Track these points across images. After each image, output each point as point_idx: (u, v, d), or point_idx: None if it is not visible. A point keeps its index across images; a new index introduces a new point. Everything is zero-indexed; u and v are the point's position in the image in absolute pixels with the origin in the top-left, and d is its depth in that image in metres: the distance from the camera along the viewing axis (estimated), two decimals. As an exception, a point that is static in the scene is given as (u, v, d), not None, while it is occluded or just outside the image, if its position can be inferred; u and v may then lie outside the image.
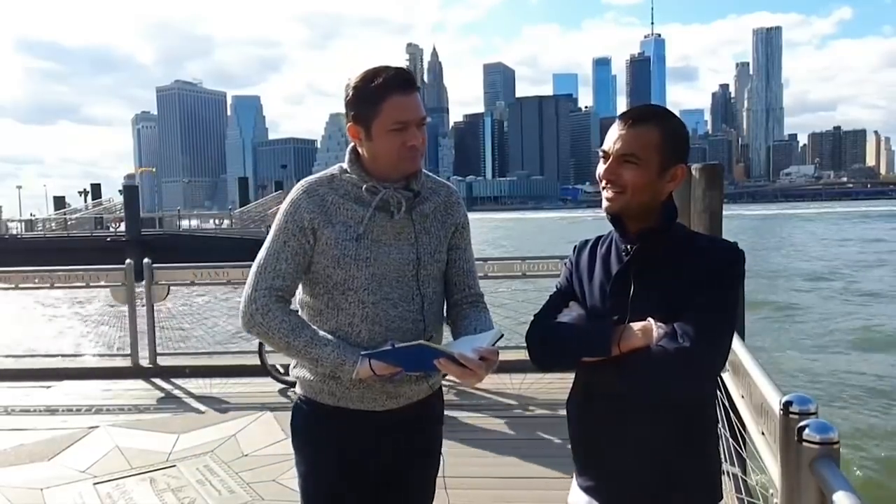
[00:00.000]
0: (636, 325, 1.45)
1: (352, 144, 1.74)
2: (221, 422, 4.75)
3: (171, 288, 6.62)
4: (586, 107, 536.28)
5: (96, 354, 7.03)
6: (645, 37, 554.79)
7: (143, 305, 6.47)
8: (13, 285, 6.78)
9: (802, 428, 1.62)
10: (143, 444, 4.31)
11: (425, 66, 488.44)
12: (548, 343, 1.60)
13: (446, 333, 1.87)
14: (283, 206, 1.73)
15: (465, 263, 1.85)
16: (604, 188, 1.52)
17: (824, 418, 1.70)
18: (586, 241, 1.69)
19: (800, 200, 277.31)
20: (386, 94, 1.62)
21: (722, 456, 1.84)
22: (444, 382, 1.93)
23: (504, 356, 1.74)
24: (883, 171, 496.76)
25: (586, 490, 1.59)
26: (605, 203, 1.53)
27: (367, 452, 1.74)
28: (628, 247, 1.53)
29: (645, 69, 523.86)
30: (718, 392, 2.80)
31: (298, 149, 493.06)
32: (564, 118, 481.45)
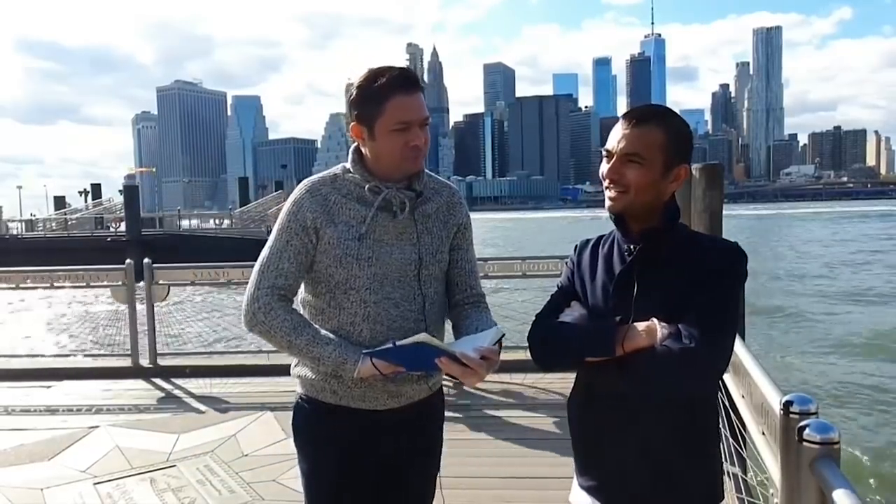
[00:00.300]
0: (640, 325, 1.45)
1: (355, 144, 1.74)
2: (222, 422, 4.74)
3: (171, 288, 6.62)
4: (586, 107, 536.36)
5: (96, 354, 7.02)
6: (645, 37, 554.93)
7: (143, 304, 6.47)
8: (13, 285, 6.78)
9: (803, 428, 1.62)
10: (143, 443, 4.31)
11: (425, 66, 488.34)
12: (550, 343, 1.60)
13: (448, 334, 1.87)
14: (286, 206, 1.73)
15: (467, 264, 1.85)
16: (607, 188, 1.52)
17: (824, 418, 1.70)
18: (587, 241, 1.69)
19: (800, 200, 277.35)
20: (389, 93, 1.62)
21: (722, 456, 1.83)
22: (444, 382, 1.93)
23: (504, 356, 1.74)
24: (883, 170, 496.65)
25: (587, 490, 1.59)
26: (607, 203, 1.52)
27: (369, 451, 1.75)
28: (631, 247, 1.53)
29: (645, 69, 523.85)
30: (719, 392, 2.80)
31: (298, 149, 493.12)
32: (564, 118, 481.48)
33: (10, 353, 7.29)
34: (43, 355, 7.48)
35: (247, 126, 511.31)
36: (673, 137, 1.48)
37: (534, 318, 1.66)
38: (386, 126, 1.64)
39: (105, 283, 6.67)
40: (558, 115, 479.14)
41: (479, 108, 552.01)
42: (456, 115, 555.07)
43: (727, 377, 3.05)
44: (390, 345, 1.59)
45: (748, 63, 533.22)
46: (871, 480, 6.32)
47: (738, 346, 2.68)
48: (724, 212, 4.95)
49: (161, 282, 6.39)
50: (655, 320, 1.43)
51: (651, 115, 1.49)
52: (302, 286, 1.76)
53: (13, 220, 36.57)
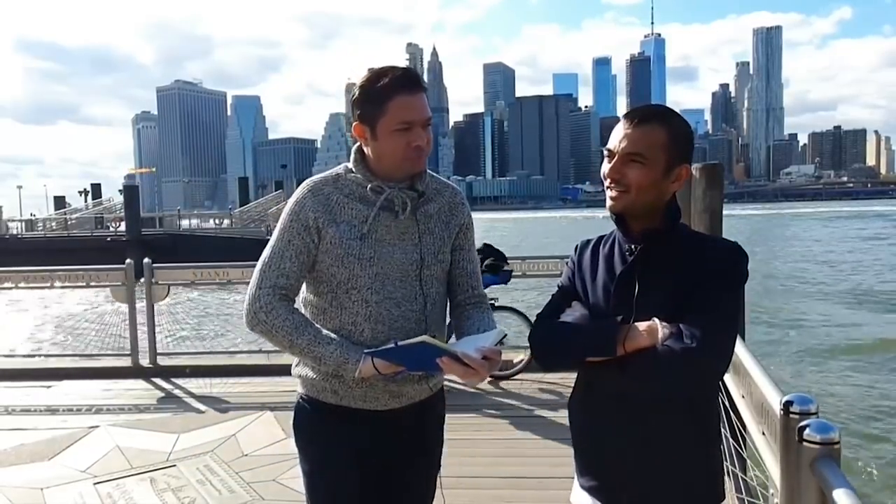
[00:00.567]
0: (641, 325, 1.45)
1: (357, 144, 1.74)
2: (221, 421, 4.75)
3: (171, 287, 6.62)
4: (586, 106, 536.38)
5: (96, 354, 7.02)
6: (645, 36, 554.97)
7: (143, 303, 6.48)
8: (14, 285, 6.78)
9: (803, 428, 1.62)
10: (143, 443, 4.31)
11: (425, 65, 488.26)
12: (552, 343, 1.60)
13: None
14: (288, 205, 1.73)
15: (469, 264, 1.85)
16: (608, 187, 1.52)
17: (824, 418, 1.70)
18: (588, 241, 1.69)
19: (800, 200, 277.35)
20: (392, 93, 1.62)
21: (723, 456, 1.83)
22: (445, 382, 1.93)
23: (505, 355, 1.74)
24: (883, 170, 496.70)
25: (588, 490, 1.58)
26: (608, 202, 1.52)
27: (369, 451, 1.75)
28: (632, 247, 1.53)
29: (645, 69, 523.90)
30: (719, 392, 2.80)
31: (298, 149, 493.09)
32: (564, 118, 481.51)
33: (10, 352, 7.29)
34: (43, 355, 7.48)
35: (247, 126, 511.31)
36: (674, 137, 1.48)
37: (535, 319, 1.66)
38: (388, 126, 1.64)
39: (105, 282, 6.68)
40: (558, 115, 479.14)
41: (479, 107, 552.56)
42: (456, 115, 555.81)
43: (727, 377, 3.05)
44: (392, 345, 1.59)
45: (748, 63, 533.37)
46: (872, 480, 6.32)
47: (739, 346, 2.68)
48: (724, 211, 4.95)
49: (161, 281, 6.40)
50: (656, 320, 1.43)
51: (652, 115, 1.49)
52: (303, 286, 1.76)
53: (13, 220, 36.55)
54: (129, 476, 3.82)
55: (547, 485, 3.52)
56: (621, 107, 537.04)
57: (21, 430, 4.69)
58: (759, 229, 59.09)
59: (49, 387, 5.88)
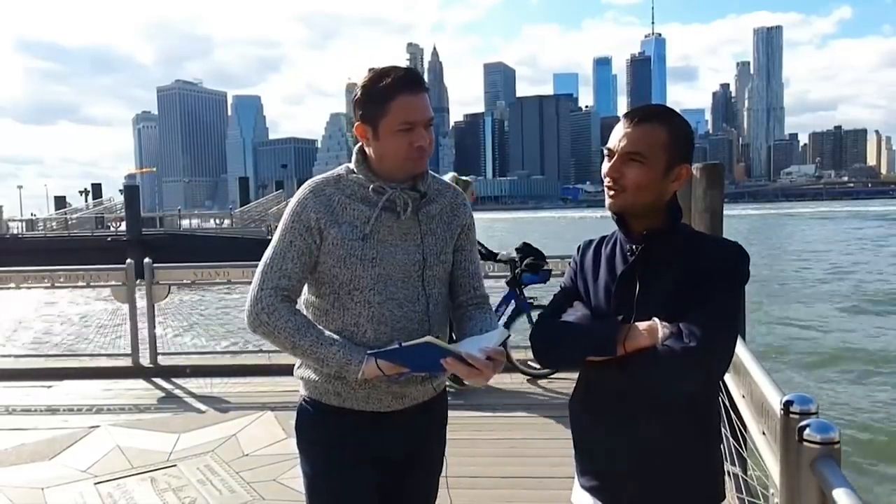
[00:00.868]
0: (642, 325, 1.45)
1: (359, 144, 1.73)
2: (222, 421, 4.75)
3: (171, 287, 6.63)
4: (587, 106, 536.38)
5: (97, 354, 7.03)
6: (645, 36, 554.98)
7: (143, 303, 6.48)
8: (14, 285, 6.78)
9: (803, 428, 1.62)
10: (143, 443, 4.31)
11: (426, 65, 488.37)
12: (553, 342, 1.60)
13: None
14: (290, 206, 1.72)
15: (471, 265, 1.84)
16: (608, 186, 1.52)
17: (824, 418, 1.70)
18: (590, 241, 1.69)
19: (801, 200, 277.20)
20: (394, 93, 1.62)
21: (723, 455, 1.84)
22: (446, 382, 1.93)
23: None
24: (884, 170, 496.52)
25: (589, 490, 1.59)
26: (607, 201, 1.53)
27: (372, 453, 1.74)
28: (633, 247, 1.53)
29: (645, 69, 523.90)
30: (719, 392, 2.80)
31: (299, 149, 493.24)
32: (565, 118, 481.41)
33: (11, 352, 7.29)
34: (44, 355, 7.48)
35: (247, 126, 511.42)
36: (675, 137, 1.48)
37: (536, 319, 1.66)
38: (390, 126, 1.63)
39: (105, 282, 6.68)
40: (559, 115, 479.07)
41: (480, 107, 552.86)
42: (456, 115, 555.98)
43: (728, 377, 3.05)
44: (396, 345, 1.58)
45: (748, 63, 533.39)
46: (872, 480, 6.32)
47: (739, 346, 2.68)
48: (725, 211, 4.95)
49: (161, 281, 6.40)
50: (657, 320, 1.43)
51: (653, 115, 1.49)
52: (305, 287, 1.75)
53: (14, 220, 36.55)
54: (129, 476, 3.82)
55: (547, 485, 3.52)
56: (622, 107, 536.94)
57: (21, 430, 4.69)
58: (758, 229, 59.09)
59: (49, 387, 5.88)
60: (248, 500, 3.50)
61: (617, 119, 1.64)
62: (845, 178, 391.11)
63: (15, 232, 33.66)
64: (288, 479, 3.63)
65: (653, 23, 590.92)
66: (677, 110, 1.57)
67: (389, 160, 1.67)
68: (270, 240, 1.76)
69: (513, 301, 5.55)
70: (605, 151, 1.53)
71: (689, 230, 1.62)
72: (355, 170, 1.71)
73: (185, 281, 6.74)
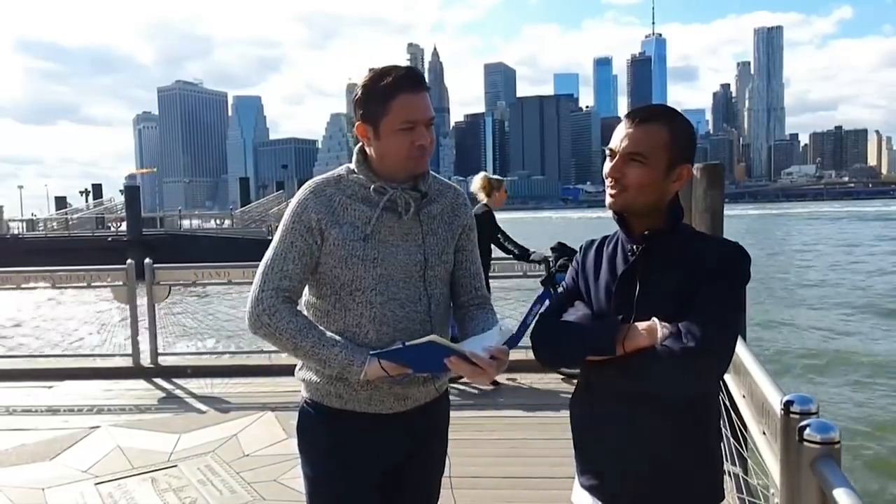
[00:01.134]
0: (641, 325, 1.45)
1: (360, 144, 1.72)
2: (223, 422, 4.75)
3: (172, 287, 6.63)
4: (587, 107, 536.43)
5: (98, 354, 7.03)
6: (646, 36, 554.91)
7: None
8: (15, 286, 6.79)
9: (803, 428, 1.63)
10: (144, 443, 4.31)
11: (426, 65, 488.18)
12: (553, 342, 1.60)
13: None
14: (291, 207, 1.71)
15: (472, 265, 1.84)
16: (609, 186, 1.52)
17: (825, 418, 1.70)
18: (592, 241, 1.69)
19: (801, 200, 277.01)
20: (396, 92, 1.61)
21: (723, 455, 1.84)
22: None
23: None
24: (884, 170, 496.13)
25: (589, 489, 1.59)
26: (608, 200, 1.53)
27: (374, 455, 1.73)
28: (634, 247, 1.53)
29: (646, 69, 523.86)
30: (720, 392, 2.80)
31: (299, 149, 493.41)
32: (565, 118, 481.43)
33: (11, 353, 7.30)
34: (44, 355, 7.49)
35: (247, 126, 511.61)
36: (676, 137, 1.48)
37: (537, 318, 1.66)
38: (392, 125, 1.62)
39: (106, 283, 6.68)
40: (559, 115, 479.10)
41: (480, 107, 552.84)
42: (456, 115, 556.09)
43: (728, 377, 3.05)
44: (399, 345, 1.58)
45: (749, 63, 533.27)
46: (873, 480, 6.32)
47: (740, 346, 2.68)
48: (725, 212, 4.95)
49: (162, 282, 6.40)
50: (656, 320, 1.43)
51: (654, 115, 1.49)
52: (306, 288, 1.74)
53: (14, 220, 36.57)
54: (130, 476, 3.82)
55: (547, 485, 3.52)
56: (622, 107, 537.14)
57: (22, 431, 4.69)
58: (757, 229, 59.08)
59: (50, 387, 5.88)
60: (248, 501, 3.50)
61: (617, 119, 1.64)
62: (846, 179, 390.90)
63: (15, 232, 33.68)
64: (288, 480, 3.63)
65: (653, 23, 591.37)
66: (678, 110, 1.57)
67: (391, 160, 1.66)
68: (271, 240, 1.75)
69: (547, 300, 5.55)
70: (607, 151, 1.53)
71: (690, 230, 1.62)
72: (356, 170, 1.70)
73: (185, 281, 6.74)
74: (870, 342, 13.01)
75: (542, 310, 1.70)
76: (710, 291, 1.43)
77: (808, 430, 1.61)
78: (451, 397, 1.95)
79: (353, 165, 1.72)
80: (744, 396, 2.75)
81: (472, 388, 5.09)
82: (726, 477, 2.77)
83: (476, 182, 5.64)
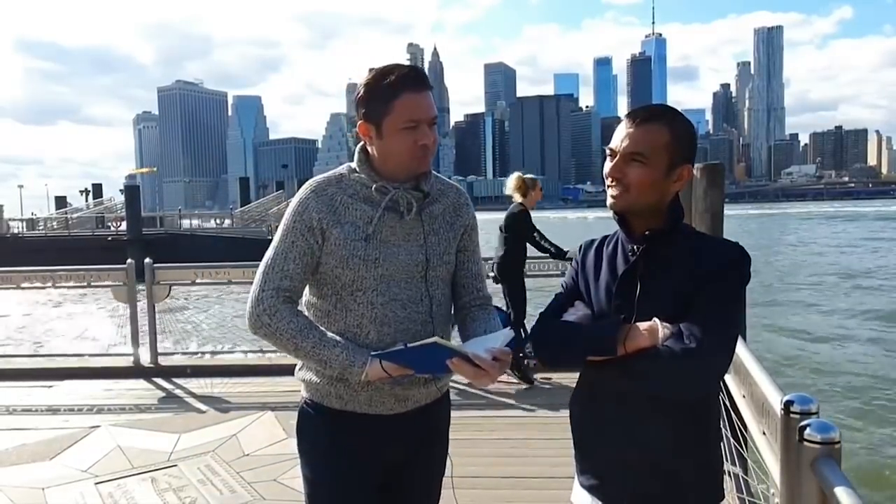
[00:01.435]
0: (642, 325, 1.45)
1: (361, 144, 1.71)
2: (223, 421, 4.75)
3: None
4: (587, 106, 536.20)
5: (98, 354, 7.03)
6: (646, 36, 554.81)
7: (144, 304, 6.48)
8: (15, 285, 6.79)
9: (804, 428, 1.62)
10: (144, 443, 4.32)
11: (426, 65, 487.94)
12: (553, 342, 1.60)
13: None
14: (291, 206, 1.70)
15: (474, 266, 1.82)
16: (609, 186, 1.52)
17: (825, 418, 1.70)
18: (592, 241, 1.68)
19: (801, 200, 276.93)
20: (399, 91, 1.60)
21: (723, 455, 1.84)
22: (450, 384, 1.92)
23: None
24: (884, 170, 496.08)
25: (589, 489, 1.59)
26: (609, 201, 1.52)
27: (374, 457, 1.72)
28: (635, 247, 1.53)
29: (646, 69, 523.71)
30: (720, 392, 2.80)
31: (299, 149, 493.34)
32: (565, 118, 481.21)
33: (11, 352, 7.30)
34: (45, 355, 7.48)
35: (247, 126, 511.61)
36: (677, 137, 1.48)
37: (537, 318, 1.66)
38: (395, 124, 1.61)
39: (106, 282, 6.68)
40: (559, 115, 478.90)
41: (480, 107, 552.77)
42: (456, 115, 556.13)
43: (728, 377, 3.05)
44: (401, 346, 1.57)
45: (749, 63, 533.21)
46: (873, 480, 6.31)
47: (740, 347, 2.68)
48: (725, 211, 4.95)
49: (162, 281, 6.41)
50: (657, 320, 1.43)
51: (655, 115, 1.49)
52: (307, 288, 1.73)
53: (14, 220, 36.58)
54: (130, 476, 3.82)
55: (547, 485, 3.52)
56: (622, 107, 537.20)
57: (22, 430, 4.70)
58: (761, 229, 59.11)
59: (50, 387, 5.89)
60: (248, 501, 3.50)
61: (617, 119, 1.64)
62: (846, 179, 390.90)
63: (16, 231, 33.68)
64: (288, 479, 3.63)
65: (653, 23, 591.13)
66: (679, 110, 1.57)
67: (393, 159, 1.65)
68: (271, 240, 1.74)
69: None
70: (608, 151, 1.53)
71: (690, 231, 1.62)
72: (358, 169, 1.69)
73: (185, 281, 6.74)
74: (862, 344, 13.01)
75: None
76: (711, 292, 1.43)
77: (808, 430, 1.61)
78: (453, 397, 1.95)
79: (354, 165, 1.71)
80: (744, 396, 2.75)
81: (471, 389, 5.09)
82: (726, 477, 2.77)
83: (511, 182, 5.72)
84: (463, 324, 1.81)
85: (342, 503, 1.72)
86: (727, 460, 2.84)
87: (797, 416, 1.74)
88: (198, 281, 6.69)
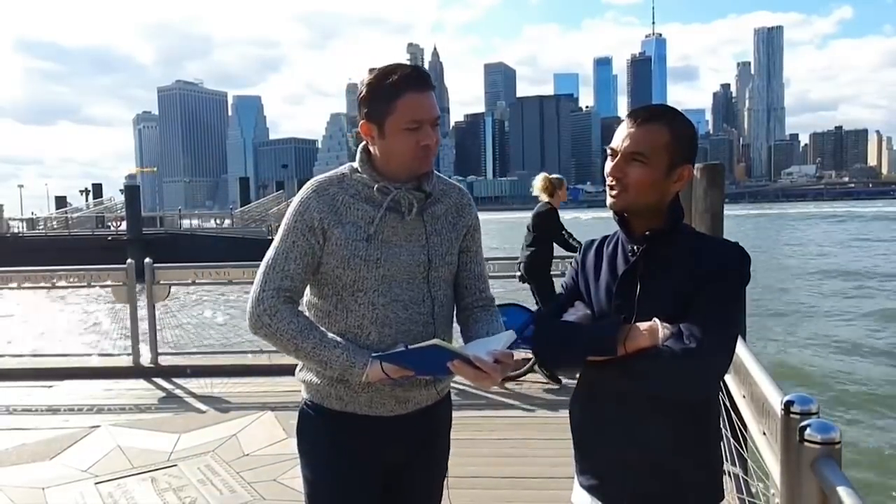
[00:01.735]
0: (642, 326, 1.45)
1: (363, 143, 1.70)
2: (223, 421, 4.75)
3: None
4: (587, 107, 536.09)
5: (98, 354, 7.03)
6: (646, 36, 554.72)
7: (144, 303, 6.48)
8: (15, 285, 6.79)
9: (804, 428, 1.62)
10: (144, 443, 4.32)
11: (426, 65, 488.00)
12: (553, 342, 1.60)
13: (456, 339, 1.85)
14: (293, 206, 1.69)
15: (477, 266, 1.81)
16: (609, 185, 1.52)
17: (825, 419, 1.70)
18: (592, 241, 1.69)
19: (801, 200, 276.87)
20: (401, 91, 1.58)
21: (723, 456, 1.83)
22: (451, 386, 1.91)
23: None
24: (885, 170, 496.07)
25: (589, 489, 1.59)
26: (609, 200, 1.53)
27: (374, 458, 1.71)
28: (635, 247, 1.53)
29: (646, 69, 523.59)
30: (720, 392, 2.80)
31: (299, 149, 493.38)
32: (565, 118, 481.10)
33: (11, 352, 7.29)
34: (45, 355, 7.48)
35: (247, 126, 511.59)
36: (677, 138, 1.48)
37: (538, 318, 1.66)
38: (397, 124, 1.60)
39: (106, 282, 6.68)
40: (559, 115, 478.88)
41: (480, 107, 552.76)
42: (456, 115, 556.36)
43: (728, 377, 3.05)
44: (401, 348, 1.56)
45: (749, 63, 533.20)
46: (873, 480, 6.31)
47: (740, 347, 2.68)
48: (725, 212, 4.95)
49: (162, 281, 6.40)
50: (657, 320, 1.43)
51: (656, 115, 1.49)
52: (307, 288, 1.72)
53: (14, 219, 36.59)
54: (130, 476, 3.82)
55: (547, 485, 3.52)
56: (622, 107, 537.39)
57: (22, 430, 4.70)
58: (761, 230, 59.11)
59: (50, 386, 5.88)
60: (248, 500, 3.50)
61: (617, 119, 1.64)
62: (846, 179, 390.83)
63: (16, 231, 33.69)
64: (288, 479, 3.63)
65: (653, 23, 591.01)
66: (680, 111, 1.57)
67: (395, 159, 1.64)
68: (271, 240, 1.73)
69: None
70: (608, 151, 1.53)
71: (690, 231, 1.62)
72: (359, 169, 1.68)
73: (185, 281, 6.74)
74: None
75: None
76: (711, 292, 1.43)
77: (808, 431, 1.60)
78: (452, 397, 1.94)
79: (356, 164, 1.70)
80: (744, 396, 2.74)
81: (471, 389, 5.09)
82: (726, 477, 2.77)
83: (538, 183, 5.82)
84: (465, 325, 1.79)
85: (342, 503, 1.71)
86: (727, 460, 2.84)
87: (797, 417, 1.74)
88: (198, 281, 6.69)
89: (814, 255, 33.11)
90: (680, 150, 1.49)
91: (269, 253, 1.68)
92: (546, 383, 5.51)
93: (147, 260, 6.42)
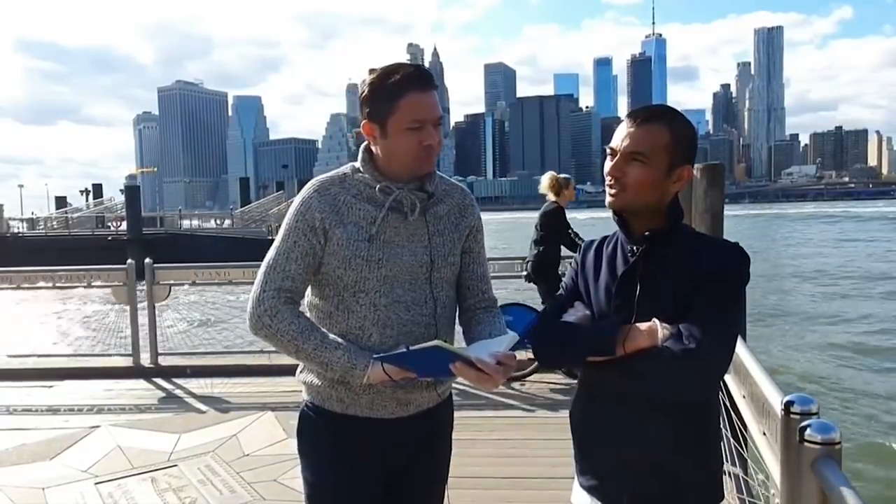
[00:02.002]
0: (642, 326, 1.45)
1: (365, 143, 1.69)
2: (223, 422, 4.75)
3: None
4: (587, 107, 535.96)
5: (98, 354, 7.03)
6: (646, 36, 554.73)
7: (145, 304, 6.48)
8: (15, 285, 6.79)
9: (804, 428, 1.62)
10: (144, 443, 4.32)
11: (426, 65, 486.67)
12: (553, 343, 1.60)
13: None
14: (294, 206, 1.68)
15: (479, 267, 1.80)
16: (609, 185, 1.52)
17: (826, 419, 1.70)
18: (592, 242, 1.68)
19: (801, 200, 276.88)
20: (404, 91, 1.57)
21: (723, 456, 1.83)
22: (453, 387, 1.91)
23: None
24: (885, 170, 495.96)
25: (588, 490, 1.59)
26: (607, 199, 1.52)
27: (375, 459, 1.70)
28: (634, 248, 1.53)
29: (646, 69, 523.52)
30: (720, 392, 2.80)
31: (299, 149, 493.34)
32: (565, 118, 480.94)
33: (11, 352, 7.29)
34: (45, 355, 7.48)
35: (248, 126, 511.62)
36: (677, 138, 1.48)
37: (537, 318, 1.66)
38: (400, 124, 1.59)
39: (106, 282, 6.68)
40: (559, 115, 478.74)
41: (480, 108, 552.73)
42: (457, 115, 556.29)
43: (728, 377, 3.05)
44: (403, 349, 1.55)
45: (749, 63, 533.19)
46: (873, 480, 6.31)
47: (740, 347, 2.68)
48: (725, 212, 4.95)
49: (162, 282, 6.41)
50: (657, 321, 1.43)
51: (656, 115, 1.49)
52: (308, 289, 1.71)
53: (14, 219, 36.60)
54: (130, 476, 3.82)
55: (547, 485, 3.52)
56: (622, 107, 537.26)
57: (22, 430, 4.70)
58: (761, 230, 59.12)
59: (50, 387, 5.88)
60: (248, 501, 3.50)
61: (617, 119, 1.64)
62: (846, 179, 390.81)
63: (16, 231, 33.69)
64: (288, 480, 3.63)
65: (653, 23, 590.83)
66: (680, 111, 1.57)
67: (398, 159, 1.63)
68: (271, 240, 1.72)
69: None
70: (608, 150, 1.53)
71: (689, 231, 1.62)
72: (361, 169, 1.67)
73: (185, 281, 6.74)
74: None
75: None
76: (710, 292, 1.43)
77: (808, 431, 1.60)
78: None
79: (358, 164, 1.69)
80: (744, 396, 2.74)
81: (471, 389, 5.08)
82: (726, 477, 2.77)
83: (544, 182, 5.85)
84: (468, 326, 1.78)
85: None
86: (727, 460, 2.84)
87: (797, 417, 1.74)
88: (198, 281, 6.69)
89: (813, 255, 33.13)
90: (680, 151, 1.49)
91: (270, 253, 1.67)
92: (550, 382, 5.51)
93: (147, 260, 6.42)
